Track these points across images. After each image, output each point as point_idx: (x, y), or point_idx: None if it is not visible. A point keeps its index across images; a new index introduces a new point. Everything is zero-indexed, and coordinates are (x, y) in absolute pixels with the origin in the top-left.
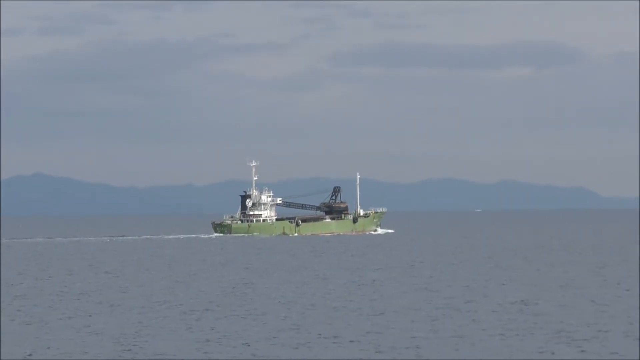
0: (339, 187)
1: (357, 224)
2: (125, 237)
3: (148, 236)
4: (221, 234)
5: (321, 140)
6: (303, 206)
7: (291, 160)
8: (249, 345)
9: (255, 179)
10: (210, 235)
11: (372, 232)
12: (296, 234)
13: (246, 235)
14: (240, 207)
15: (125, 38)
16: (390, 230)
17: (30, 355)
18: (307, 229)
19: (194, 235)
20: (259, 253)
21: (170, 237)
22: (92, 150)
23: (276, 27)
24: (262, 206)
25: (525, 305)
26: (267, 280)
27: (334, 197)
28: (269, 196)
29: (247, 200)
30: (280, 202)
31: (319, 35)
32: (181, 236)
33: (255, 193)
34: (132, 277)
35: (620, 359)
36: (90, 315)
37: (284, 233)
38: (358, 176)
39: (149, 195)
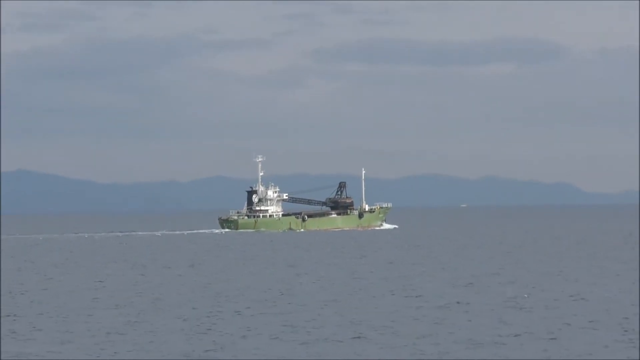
0: (345, 183)
1: (362, 219)
2: (137, 233)
3: (157, 232)
4: (228, 230)
5: (304, 136)
6: (309, 202)
7: (274, 156)
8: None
9: (261, 174)
10: (219, 231)
11: (378, 228)
12: (302, 230)
13: (253, 230)
14: (246, 202)
15: (108, 34)
16: (394, 226)
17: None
18: (314, 224)
19: (202, 231)
20: (295, 249)
21: (183, 232)
22: (75, 147)
23: (259, 23)
24: (269, 202)
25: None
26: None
27: (339, 193)
28: (275, 192)
29: (254, 196)
30: (287, 197)
31: (303, 32)
32: (186, 232)
33: (261, 189)
34: (214, 273)
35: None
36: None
37: (290, 228)
38: (363, 171)
39: (132, 192)
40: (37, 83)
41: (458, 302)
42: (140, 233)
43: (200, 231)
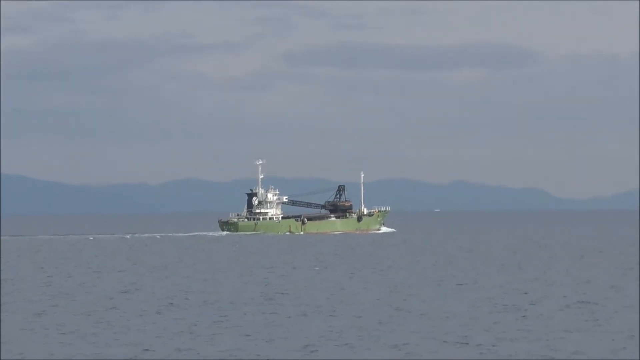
0: (344, 186)
1: (361, 222)
2: (139, 235)
3: (157, 234)
4: (228, 232)
5: (274, 139)
6: (309, 204)
7: (244, 159)
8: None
9: (261, 177)
10: (219, 233)
11: (376, 231)
12: (302, 232)
13: (254, 233)
14: (246, 205)
15: (80, 37)
16: (392, 230)
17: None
18: (313, 227)
19: (202, 233)
20: (309, 251)
21: (183, 234)
22: (45, 148)
23: (231, 26)
24: (268, 204)
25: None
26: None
27: (338, 196)
28: (275, 194)
29: (254, 199)
30: (286, 200)
31: (274, 35)
32: (188, 234)
33: (261, 191)
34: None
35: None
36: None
37: (290, 231)
38: (362, 175)
39: (102, 194)
40: (7, 84)
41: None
42: (144, 235)
43: (201, 233)
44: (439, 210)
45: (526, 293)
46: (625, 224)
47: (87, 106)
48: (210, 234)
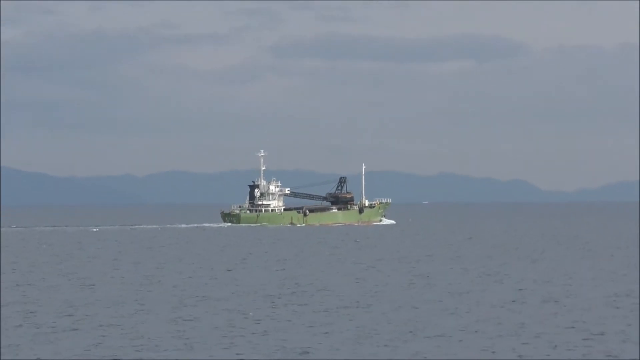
0: (345, 178)
1: (362, 214)
2: (143, 226)
3: (160, 225)
4: (230, 224)
5: (260, 131)
6: (310, 196)
7: (230, 150)
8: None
9: (263, 168)
10: (221, 225)
11: (377, 223)
12: (304, 224)
13: (256, 224)
14: (248, 196)
15: (66, 29)
16: (393, 222)
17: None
18: (315, 219)
19: (206, 225)
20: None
21: (186, 226)
22: (30, 140)
23: (218, 18)
24: (270, 196)
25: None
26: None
27: (339, 188)
28: (277, 186)
29: (256, 190)
30: (288, 192)
31: (261, 27)
32: (191, 225)
33: (263, 183)
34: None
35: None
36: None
37: (292, 223)
38: (364, 167)
39: (88, 185)
40: None
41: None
42: (144, 226)
43: (204, 225)
44: (427, 202)
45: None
46: (622, 217)
47: (72, 98)
48: (213, 225)
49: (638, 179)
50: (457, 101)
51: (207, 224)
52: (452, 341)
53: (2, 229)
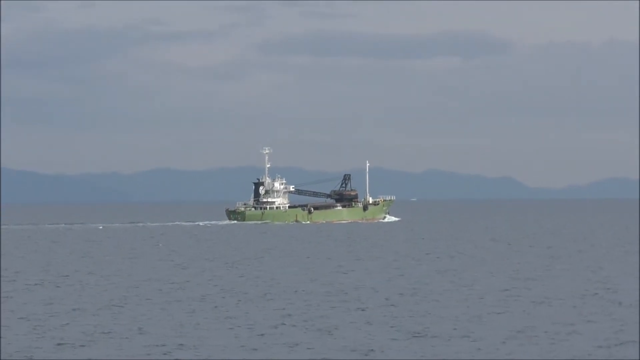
0: (349, 175)
1: (367, 211)
2: (147, 224)
3: (168, 223)
4: (235, 221)
5: (247, 128)
6: (315, 194)
7: (218, 147)
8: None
9: (268, 166)
10: (227, 222)
11: (381, 220)
12: (308, 222)
13: (261, 222)
14: (253, 194)
15: (54, 25)
16: (397, 219)
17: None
18: (319, 216)
19: (213, 222)
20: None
21: (193, 223)
22: (19, 137)
23: (206, 15)
24: (275, 193)
25: None
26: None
27: (344, 185)
28: (282, 183)
29: (260, 188)
30: (293, 189)
31: (249, 24)
32: (195, 223)
33: (268, 180)
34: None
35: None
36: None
37: (296, 220)
38: (367, 164)
39: (76, 183)
40: None
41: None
42: (150, 224)
43: (211, 222)
44: (415, 199)
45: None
46: (622, 213)
47: (60, 95)
48: (220, 222)
49: (622, 175)
50: (444, 98)
51: (213, 222)
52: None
53: (2, 227)
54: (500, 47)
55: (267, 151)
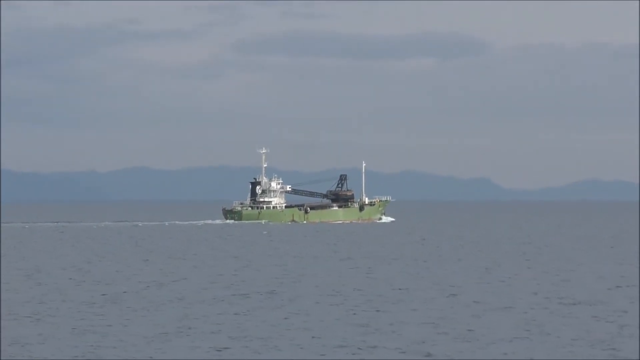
0: (346, 175)
1: (363, 212)
2: (148, 223)
3: (166, 222)
4: (232, 221)
5: (224, 128)
6: (311, 194)
7: (193, 147)
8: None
9: (265, 166)
10: (226, 222)
11: (377, 221)
12: (305, 222)
13: (259, 221)
14: (250, 193)
15: (30, 23)
16: (392, 219)
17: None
18: (316, 216)
19: (209, 221)
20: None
21: (188, 222)
22: None
23: (182, 14)
24: (272, 193)
25: None
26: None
27: (340, 185)
28: (279, 183)
29: (257, 187)
30: (290, 189)
31: (225, 23)
32: (196, 222)
33: (264, 180)
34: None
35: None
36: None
37: (293, 220)
38: (364, 164)
39: (52, 181)
40: None
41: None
42: (148, 223)
43: (208, 222)
44: (394, 199)
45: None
46: (603, 215)
47: (37, 93)
48: (217, 222)
49: (595, 178)
50: (420, 99)
51: (209, 221)
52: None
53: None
54: (477, 48)
55: (264, 151)
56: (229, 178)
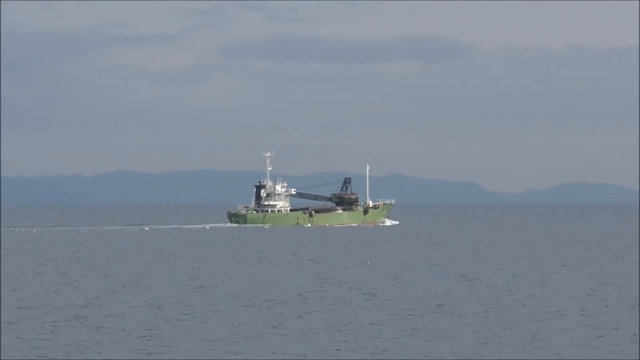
0: (350, 179)
1: (367, 215)
2: (153, 227)
3: (173, 225)
4: (236, 224)
5: (210, 132)
6: (316, 197)
7: (179, 151)
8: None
9: (269, 169)
10: (229, 225)
11: (382, 224)
12: (309, 225)
13: (263, 225)
14: (254, 197)
15: (15, 28)
16: (396, 222)
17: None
18: (320, 219)
19: (216, 225)
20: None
21: (196, 226)
22: None
23: (168, 18)
24: (277, 196)
25: None
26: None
27: (344, 188)
28: (283, 187)
29: (262, 191)
30: (294, 192)
31: (211, 28)
32: (204, 226)
33: (269, 183)
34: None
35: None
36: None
37: (297, 223)
38: (368, 168)
39: (37, 185)
40: None
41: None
42: (154, 227)
43: (213, 225)
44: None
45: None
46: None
47: (22, 97)
48: (221, 225)
49: (582, 180)
50: (406, 102)
51: (213, 224)
52: None
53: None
54: (462, 52)
55: (268, 154)
56: (215, 182)
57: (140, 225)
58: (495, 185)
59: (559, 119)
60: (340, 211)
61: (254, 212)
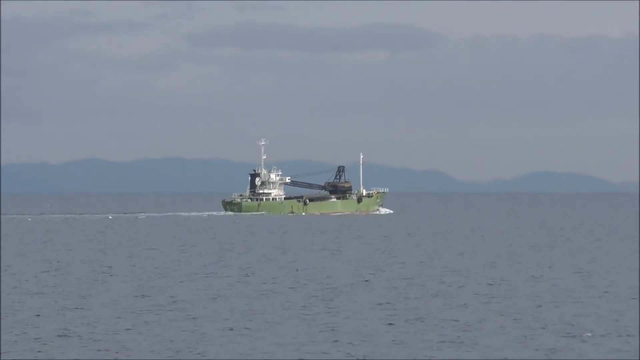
0: (343, 167)
1: (361, 203)
2: (147, 214)
3: (168, 213)
4: (231, 212)
5: (176, 120)
6: (310, 185)
7: (146, 139)
8: None
9: (264, 157)
10: (225, 213)
11: (375, 212)
12: (304, 213)
13: (257, 213)
14: (249, 185)
15: None
16: (390, 211)
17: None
18: (315, 208)
19: (213, 213)
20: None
21: (191, 214)
22: None
23: (134, 6)
24: (271, 185)
25: None
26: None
27: (338, 177)
28: (278, 175)
29: (257, 179)
30: (289, 181)
31: (177, 15)
32: (196, 214)
33: (264, 172)
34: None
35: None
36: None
37: (292, 212)
38: (361, 156)
39: (4, 173)
40: None
41: None
42: (149, 214)
43: (208, 213)
44: None
45: None
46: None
47: None
48: (216, 213)
49: (546, 170)
50: (372, 91)
51: (208, 212)
52: None
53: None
54: (430, 41)
55: (263, 143)
56: (183, 169)
57: (140, 212)
58: (462, 174)
59: (526, 108)
60: (334, 199)
61: (249, 200)
